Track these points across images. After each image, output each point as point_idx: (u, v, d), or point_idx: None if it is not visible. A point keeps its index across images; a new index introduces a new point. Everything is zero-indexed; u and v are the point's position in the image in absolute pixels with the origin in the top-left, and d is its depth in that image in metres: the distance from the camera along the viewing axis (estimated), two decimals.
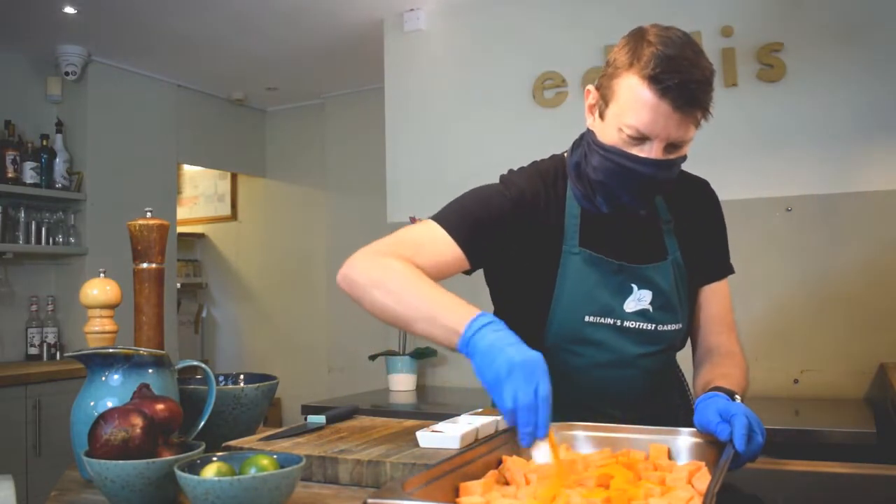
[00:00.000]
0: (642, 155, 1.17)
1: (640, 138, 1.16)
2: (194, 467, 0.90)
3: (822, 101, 2.75)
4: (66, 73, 3.88)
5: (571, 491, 0.87)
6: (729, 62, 2.87)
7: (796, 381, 2.72)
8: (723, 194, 2.77)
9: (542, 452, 0.99)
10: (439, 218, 1.27)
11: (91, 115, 4.06)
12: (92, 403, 1.13)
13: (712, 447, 1.04)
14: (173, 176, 4.64)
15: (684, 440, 1.08)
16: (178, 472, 0.88)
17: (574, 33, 3.18)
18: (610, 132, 1.20)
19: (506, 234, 1.28)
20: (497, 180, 1.35)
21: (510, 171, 1.36)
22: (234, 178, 5.37)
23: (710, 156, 2.88)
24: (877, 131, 2.68)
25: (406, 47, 3.57)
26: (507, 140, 3.22)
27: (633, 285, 1.29)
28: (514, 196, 1.28)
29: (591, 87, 1.26)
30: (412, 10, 3.51)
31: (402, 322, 1.16)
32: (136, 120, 4.31)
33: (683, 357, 1.46)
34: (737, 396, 1.10)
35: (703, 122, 1.19)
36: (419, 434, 1.14)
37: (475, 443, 1.10)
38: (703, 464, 0.99)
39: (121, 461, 0.94)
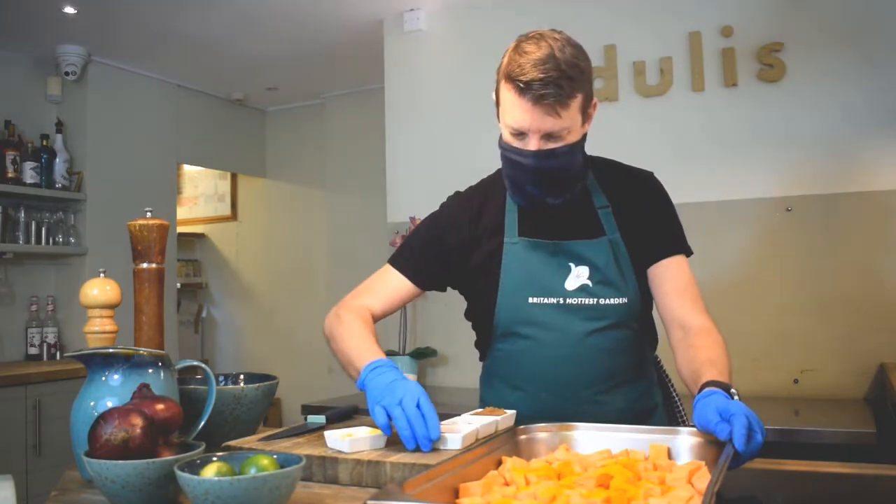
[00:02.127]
0: (524, 148, 1.31)
1: (520, 134, 1.30)
2: (194, 467, 0.90)
3: (823, 102, 2.75)
4: (66, 73, 3.88)
5: (571, 491, 0.87)
6: (729, 62, 2.87)
7: (796, 381, 2.72)
8: (723, 194, 2.84)
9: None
10: (392, 260, 1.50)
11: (91, 115, 4.06)
12: (92, 403, 1.13)
13: (712, 446, 1.04)
14: (173, 176, 4.64)
15: (684, 440, 1.08)
16: (178, 472, 0.88)
17: (573, 33, 3.12)
18: (504, 130, 1.35)
19: (450, 253, 1.46)
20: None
21: (448, 197, 1.53)
22: (234, 178, 5.37)
23: (710, 156, 2.89)
24: (876, 131, 2.68)
25: (406, 47, 3.57)
26: None
27: (571, 264, 1.39)
28: (447, 222, 1.47)
29: (494, 92, 1.38)
30: (412, 10, 3.51)
31: (343, 366, 1.41)
32: (136, 120, 4.31)
33: (669, 360, 1.45)
34: (733, 391, 1.11)
35: (590, 111, 1.33)
36: None
37: (475, 443, 1.11)
38: (702, 463, 0.99)
39: (121, 461, 0.94)
